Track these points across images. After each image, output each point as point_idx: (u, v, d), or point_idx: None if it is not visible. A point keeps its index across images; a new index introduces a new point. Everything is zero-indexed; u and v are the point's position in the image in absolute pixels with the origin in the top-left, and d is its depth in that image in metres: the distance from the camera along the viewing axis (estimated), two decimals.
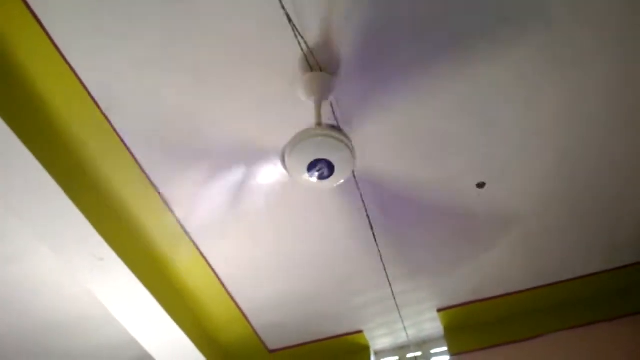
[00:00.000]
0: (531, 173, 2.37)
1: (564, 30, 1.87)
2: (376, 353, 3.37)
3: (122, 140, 2.12)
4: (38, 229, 2.17)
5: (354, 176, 2.28)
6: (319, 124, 1.81)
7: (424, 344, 3.31)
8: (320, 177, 1.77)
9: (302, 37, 1.81)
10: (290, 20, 1.76)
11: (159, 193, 2.32)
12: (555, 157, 2.31)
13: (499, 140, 2.22)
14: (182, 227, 2.49)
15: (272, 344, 3.29)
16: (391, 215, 2.49)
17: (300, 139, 1.73)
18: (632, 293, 2.90)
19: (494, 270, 2.87)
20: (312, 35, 1.82)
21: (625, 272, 2.90)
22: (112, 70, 1.91)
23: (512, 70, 1.98)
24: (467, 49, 1.90)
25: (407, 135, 2.17)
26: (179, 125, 2.09)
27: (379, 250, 2.64)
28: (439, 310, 3.11)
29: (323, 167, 1.74)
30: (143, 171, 2.24)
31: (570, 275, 2.93)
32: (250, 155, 2.20)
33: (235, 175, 2.27)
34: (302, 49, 1.85)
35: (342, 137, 1.75)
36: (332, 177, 1.78)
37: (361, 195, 2.37)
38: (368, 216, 2.47)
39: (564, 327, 2.94)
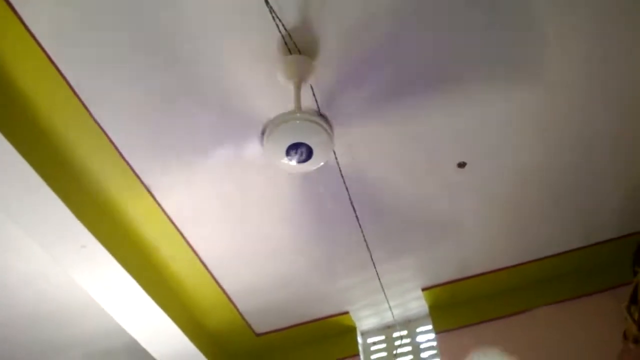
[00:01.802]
0: (512, 150, 2.39)
1: (543, 8, 1.88)
2: (362, 333, 3.41)
3: (102, 129, 2.10)
4: (19, 218, 2.15)
5: (336, 159, 2.28)
6: (297, 107, 1.80)
7: (409, 323, 3.34)
8: (299, 161, 1.78)
9: (279, 20, 1.79)
10: (267, 2, 1.74)
11: (140, 180, 2.31)
12: (537, 134, 2.33)
13: (479, 119, 2.24)
14: (165, 213, 2.48)
15: (259, 328, 3.30)
16: (373, 195, 2.50)
17: (278, 123, 1.72)
18: (613, 267, 2.95)
19: (477, 248, 2.90)
20: (290, 17, 1.81)
21: (606, 247, 2.95)
22: (91, 59, 1.88)
23: (492, 47, 1.98)
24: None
25: (388, 117, 2.17)
26: (160, 113, 2.07)
27: (362, 232, 2.65)
28: (423, 289, 3.14)
29: (302, 151, 1.74)
30: (124, 159, 2.22)
31: (553, 251, 2.97)
32: (231, 140, 2.20)
33: (218, 160, 2.27)
34: (280, 32, 1.83)
35: (320, 121, 1.75)
36: (310, 161, 1.78)
37: (342, 178, 2.38)
38: (350, 198, 2.48)
39: (548, 302, 2.99)
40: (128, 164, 2.24)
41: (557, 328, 2.89)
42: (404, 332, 3.33)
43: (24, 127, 2.01)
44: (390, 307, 3.21)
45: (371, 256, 2.81)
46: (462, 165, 2.39)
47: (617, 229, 2.89)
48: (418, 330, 3.31)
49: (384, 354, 3.31)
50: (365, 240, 2.71)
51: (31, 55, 1.85)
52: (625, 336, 2.46)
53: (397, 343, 3.30)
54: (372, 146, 2.29)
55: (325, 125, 1.75)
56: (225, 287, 2.94)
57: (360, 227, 2.63)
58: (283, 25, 1.81)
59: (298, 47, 1.87)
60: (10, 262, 2.60)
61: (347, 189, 2.43)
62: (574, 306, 2.93)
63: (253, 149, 2.20)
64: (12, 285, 2.75)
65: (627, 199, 2.71)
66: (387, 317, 3.31)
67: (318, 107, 2.05)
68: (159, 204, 2.43)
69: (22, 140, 1.95)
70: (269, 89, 1.99)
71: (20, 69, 1.90)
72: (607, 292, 2.91)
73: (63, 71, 1.91)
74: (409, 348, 3.27)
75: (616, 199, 2.71)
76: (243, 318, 3.18)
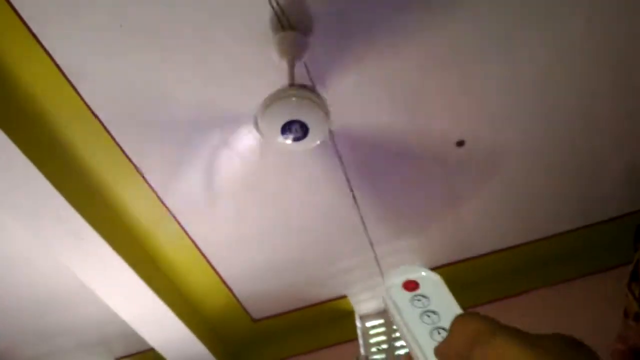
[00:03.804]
0: (511, 129, 2.35)
1: None
2: (361, 317, 3.39)
3: (95, 115, 2.06)
4: (9, 204, 2.12)
5: (332, 137, 2.24)
6: (291, 84, 1.76)
7: None
8: (295, 139, 1.74)
9: None
10: None
11: (134, 166, 2.27)
12: (535, 111, 2.30)
13: (478, 97, 2.20)
14: (160, 198, 2.44)
15: (256, 313, 3.28)
16: (371, 177, 2.47)
17: (272, 100, 1.68)
18: (614, 247, 2.93)
19: (476, 229, 2.88)
20: None
21: (607, 227, 2.93)
22: (80, 41, 1.84)
23: (492, 23, 1.94)
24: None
25: (383, 92, 2.14)
26: (153, 96, 2.04)
27: (360, 213, 2.62)
28: None
29: (297, 129, 1.70)
30: (119, 146, 2.19)
31: (553, 232, 2.95)
32: (225, 122, 2.16)
33: (212, 143, 2.23)
34: (272, 8, 1.78)
35: (315, 98, 1.71)
36: (306, 139, 1.74)
37: (339, 157, 2.34)
38: (348, 179, 2.44)
39: (548, 283, 2.97)
40: (121, 149, 2.21)
41: (558, 309, 2.87)
42: None
43: (14, 113, 1.98)
44: None
45: (369, 238, 2.78)
46: (460, 144, 2.36)
47: (617, 208, 2.88)
48: None
49: (382, 337, 3.29)
50: (363, 223, 2.68)
51: (18, 35, 1.80)
52: (625, 314, 2.44)
53: (395, 326, 3.28)
54: (370, 126, 2.25)
55: (320, 102, 1.71)
56: (221, 272, 2.92)
57: (358, 209, 2.59)
58: (276, 0, 1.76)
59: (291, 23, 1.83)
60: (3, 251, 2.57)
61: (344, 170, 2.40)
62: (575, 287, 2.92)
63: (247, 130, 2.16)
64: (6, 274, 2.71)
65: (627, 178, 2.69)
66: None
67: (313, 83, 2.00)
68: (153, 189, 2.40)
69: (12, 125, 1.91)
70: (262, 67, 1.94)
71: (6, 49, 1.85)
72: (608, 272, 2.88)
73: (53, 55, 1.86)
74: None
75: (616, 178, 2.69)
76: (240, 304, 3.15)
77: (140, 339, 2.94)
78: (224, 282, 2.98)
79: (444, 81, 2.12)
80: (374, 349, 3.26)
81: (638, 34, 2.07)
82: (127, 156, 2.23)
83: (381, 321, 3.35)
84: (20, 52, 1.87)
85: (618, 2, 1.94)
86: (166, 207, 2.49)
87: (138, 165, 2.28)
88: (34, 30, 1.80)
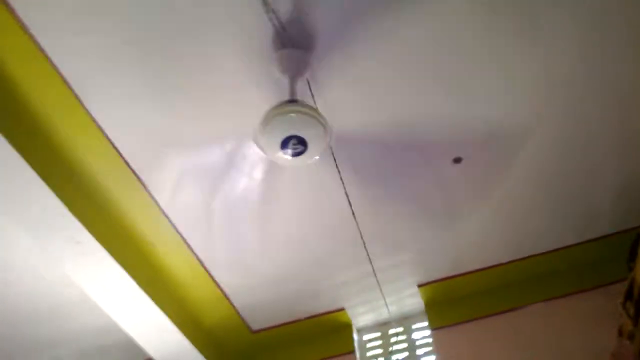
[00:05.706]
0: (506, 146, 2.39)
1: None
2: (358, 330, 3.40)
3: (97, 124, 2.09)
4: (12, 213, 2.14)
5: (332, 153, 2.27)
6: (292, 100, 1.79)
7: (405, 320, 3.34)
8: (295, 154, 1.77)
9: (273, 13, 1.78)
10: None
11: (137, 177, 2.30)
12: (530, 129, 2.33)
13: (474, 113, 2.23)
14: (161, 209, 2.46)
15: (255, 325, 3.29)
16: (369, 192, 2.50)
17: (272, 116, 1.72)
18: (606, 264, 2.95)
19: (472, 245, 2.90)
20: (284, 10, 1.79)
21: (600, 244, 2.95)
22: (85, 52, 1.87)
23: (483, 37, 1.97)
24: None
25: (385, 109, 2.17)
26: (155, 108, 2.06)
27: (358, 227, 2.65)
28: (419, 286, 3.13)
29: (297, 144, 1.74)
30: (121, 155, 2.21)
31: (547, 248, 2.97)
32: (226, 137, 2.19)
33: (213, 157, 2.26)
34: (273, 26, 1.82)
35: (315, 113, 1.74)
36: (306, 154, 1.77)
37: (339, 172, 2.37)
38: (347, 194, 2.47)
39: (542, 299, 2.99)
40: (124, 160, 2.23)
41: (551, 325, 2.89)
42: (400, 329, 3.32)
43: (17, 122, 2.00)
44: (386, 304, 3.20)
45: (367, 252, 2.80)
46: (457, 160, 2.39)
47: (610, 226, 2.90)
48: (414, 326, 3.31)
49: (379, 350, 3.30)
50: (361, 236, 2.70)
51: (24, 48, 1.84)
52: (620, 332, 2.45)
53: (392, 340, 3.30)
54: (370, 141, 2.28)
55: (320, 118, 1.74)
56: (221, 284, 2.94)
57: (357, 224, 2.62)
58: (277, 17, 1.80)
59: (292, 40, 1.86)
60: (3, 258, 2.58)
61: (343, 185, 2.43)
62: (568, 303, 2.94)
63: (247, 145, 2.19)
64: (5, 281, 2.73)
65: (620, 196, 2.71)
66: (383, 314, 3.31)
67: (314, 100, 2.04)
68: (155, 201, 2.42)
69: (17, 135, 1.94)
70: (264, 84, 1.97)
71: (13, 62, 1.89)
72: (601, 289, 2.91)
73: (57, 65, 1.90)
74: (405, 345, 3.26)
75: (609, 196, 2.71)
76: (239, 315, 3.17)
77: (139, 349, 2.95)
78: (224, 294, 2.99)
79: (441, 99, 2.16)
80: None
81: (629, 56, 2.10)
82: (131, 169, 2.26)
83: (378, 334, 3.36)
84: (29, 67, 1.90)
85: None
86: (168, 218, 2.51)
87: (142, 178, 2.31)
88: (41, 44, 1.84)
